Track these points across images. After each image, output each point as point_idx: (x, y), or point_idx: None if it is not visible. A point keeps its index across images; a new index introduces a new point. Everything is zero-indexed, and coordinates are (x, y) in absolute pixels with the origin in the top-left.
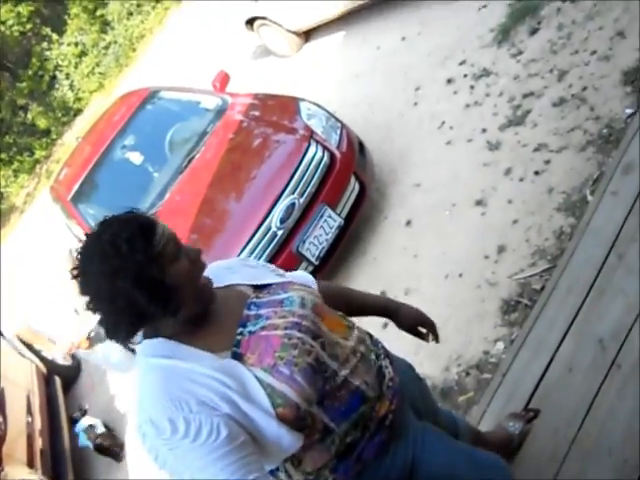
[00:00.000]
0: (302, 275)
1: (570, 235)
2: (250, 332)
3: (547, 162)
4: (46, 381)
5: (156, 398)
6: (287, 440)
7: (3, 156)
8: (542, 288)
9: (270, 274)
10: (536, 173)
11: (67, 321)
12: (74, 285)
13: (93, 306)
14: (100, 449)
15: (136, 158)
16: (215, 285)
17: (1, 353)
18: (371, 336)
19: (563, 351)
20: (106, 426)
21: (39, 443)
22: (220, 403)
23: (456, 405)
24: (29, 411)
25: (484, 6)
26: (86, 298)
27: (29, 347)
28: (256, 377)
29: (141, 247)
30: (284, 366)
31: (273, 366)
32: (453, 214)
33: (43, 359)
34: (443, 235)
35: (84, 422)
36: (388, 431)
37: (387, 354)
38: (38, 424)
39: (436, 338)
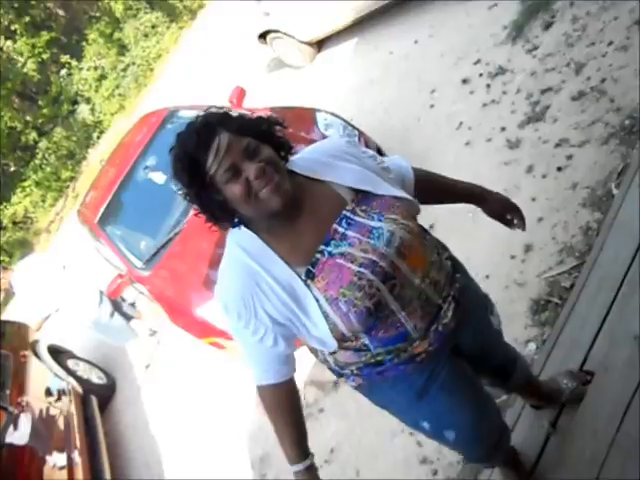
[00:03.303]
0: (398, 163)
1: (597, 230)
2: (330, 254)
3: (569, 157)
4: (83, 401)
5: (232, 294)
6: (329, 345)
7: (30, 182)
8: (572, 286)
9: (373, 177)
10: (559, 169)
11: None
12: None
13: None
14: None
15: (159, 178)
16: (313, 175)
17: (38, 375)
18: (454, 274)
19: (597, 350)
20: None
21: (79, 464)
22: (278, 317)
23: None
24: (68, 432)
25: (495, 4)
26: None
27: (64, 367)
28: (317, 301)
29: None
30: (344, 303)
31: (335, 299)
32: (476, 216)
33: (79, 379)
34: (467, 237)
35: None
36: (416, 365)
37: (456, 298)
38: (77, 444)
39: (523, 225)
